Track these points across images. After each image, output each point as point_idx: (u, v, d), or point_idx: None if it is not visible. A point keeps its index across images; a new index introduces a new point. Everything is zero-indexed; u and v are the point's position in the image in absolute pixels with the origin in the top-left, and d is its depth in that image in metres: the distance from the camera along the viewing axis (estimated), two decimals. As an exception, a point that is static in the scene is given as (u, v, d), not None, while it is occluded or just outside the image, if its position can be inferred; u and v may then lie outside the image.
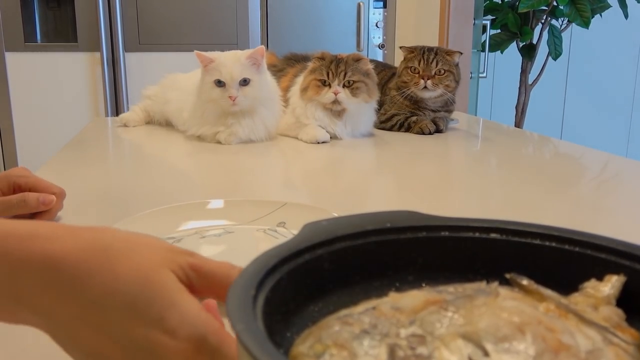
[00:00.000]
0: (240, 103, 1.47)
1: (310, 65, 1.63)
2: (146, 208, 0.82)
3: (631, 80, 4.70)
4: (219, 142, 1.53)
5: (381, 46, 3.53)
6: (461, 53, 1.74)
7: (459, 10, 3.20)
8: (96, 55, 2.88)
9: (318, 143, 1.53)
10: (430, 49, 1.71)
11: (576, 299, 0.41)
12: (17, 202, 0.80)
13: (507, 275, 0.44)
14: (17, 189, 0.82)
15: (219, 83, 1.48)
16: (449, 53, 1.71)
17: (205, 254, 0.74)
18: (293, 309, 0.41)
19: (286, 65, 1.86)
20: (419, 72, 1.69)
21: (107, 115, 2.91)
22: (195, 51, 1.50)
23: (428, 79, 1.66)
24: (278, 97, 1.64)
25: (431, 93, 1.70)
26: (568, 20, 3.88)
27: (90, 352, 0.36)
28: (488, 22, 3.89)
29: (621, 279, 0.42)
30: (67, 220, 0.90)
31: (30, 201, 0.80)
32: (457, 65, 1.73)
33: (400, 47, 1.77)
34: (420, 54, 1.70)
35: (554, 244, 0.46)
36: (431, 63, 1.68)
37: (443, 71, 1.68)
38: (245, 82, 1.48)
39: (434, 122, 1.74)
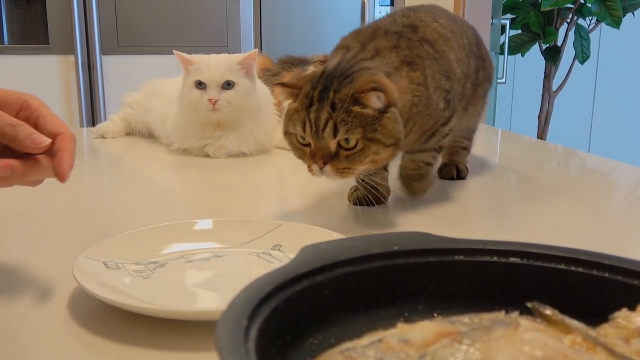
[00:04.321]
0: (222, 108, 1.47)
1: (312, 70, 1.63)
2: (126, 229, 0.82)
3: (667, 87, 4.72)
4: (208, 156, 1.53)
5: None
6: (381, 91, 0.88)
7: (475, 9, 3.22)
8: (70, 59, 2.89)
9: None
10: (325, 90, 0.89)
11: (606, 331, 0.41)
12: (4, 122, 0.68)
13: (529, 304, 0.44)
14: (25, 108, 0.73)
15: (200, 85, 1.49)
16: (360, 96, 0.88)
17: (192, 281, 0.74)
18: (290, 342, 0.41)
19: (282, 69, 1.86)
20: (310, 146, 0.91)
21: (82, 126, 2.91)
22: (175, 51, 1.51)
23: (325, 164, 0.89)
24: (271, 108, 1.64)
25: (340, 180, 0.93)
26: (597, 20, 3.91)
27: None
28: (508, 22, 3.92)
29: (656, 309, 0.42)
30: (38, 241, 0.90)
31: (20, 132, 0.68)
32: (383, 112, 0.89)
33: (275, 85, 1.07)
34: (305, 104, 0.91)
35: (581, 270, 0.46)
36: (324, 129, 0.88)
37: (354, 143, 0.88)
38: (229, 86, 1.48)
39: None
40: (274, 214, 1.03)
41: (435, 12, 1.17)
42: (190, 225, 0.86)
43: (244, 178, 1.39)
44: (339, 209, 1.07)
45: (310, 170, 0.91)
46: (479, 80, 1.21)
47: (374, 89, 0.87)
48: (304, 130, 0.90)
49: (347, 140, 0.88)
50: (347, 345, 0.42)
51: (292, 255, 0.46)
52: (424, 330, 0.40)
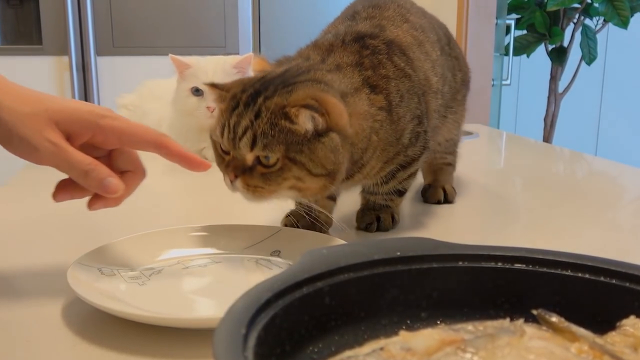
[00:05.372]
0: None
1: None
2: (121, 235, 0.82)
3: (676, 88, 4.72)
4: (206, 159, 1.53)
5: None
6: (317, 111, 0.76)
7: (480, 8, 3.23)
8: (64, 60, 2.89)
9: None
10: (255, 94, 0.79)
11: (613, 339, 0.41)
12: (76, 170, 0.68)
13: (534, 312, 0.44)
14: (98, 133, 0.71)
15: (197, 92, 1.49)
16: (290, 110, 0.77)
17: (189, 288, 0.74)
18: (289, 350, 0.41)
19: (280, 70, 1.86)
20: (229, 154, 0.82)
21: (75, 128, 2.91)
22: (170, 55, 1.50)
23: (236, 176, 0.80)
24: None
25: (256, 200, 0.83)
26: (604, 20, 3.91)
27: None
28: (512, 22, 3.92)
29: (664, 316, 0.43)
30: (31, 247, 0.90)
31: (93, 178, 0.69)
32: (323, 134, 0.78)
33: (209, 85, 0.89)
34: (230, 106, 0.81)
35: (587, 276, 0.46)
36: (241, 137, 0.78)
37: (274, 161, 0.78)
38: None
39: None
40: (272, 218, 1.03)
41: (403, 4, 1.04)
42: (187, 231, 0.86)
43: (242, 182, 1.38)
44: (340, 214, 1.07)
45: (225, 182, 0.82)
46: (456, 83, 1.11)
47: (307, 106, 0.76)
48: (222, 135, 0.80)
49: (266, 157, 0.77)
50: (348, 353, 0.42)
51: (292, 261, 0.46)
52: (426, 338, 0.40)
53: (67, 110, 0.70)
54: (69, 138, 0.69)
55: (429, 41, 1.02)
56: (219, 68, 1.49)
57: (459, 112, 1.14)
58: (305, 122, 0.76)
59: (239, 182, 0.80)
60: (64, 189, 0.74)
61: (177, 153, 0.75)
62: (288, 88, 0.79)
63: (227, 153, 0.81)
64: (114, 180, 0.70)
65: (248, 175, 0.79)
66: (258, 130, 0.76)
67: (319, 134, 0.78)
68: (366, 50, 0.90)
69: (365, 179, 0.91)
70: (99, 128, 0.71)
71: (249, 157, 0.78)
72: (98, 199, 0.73)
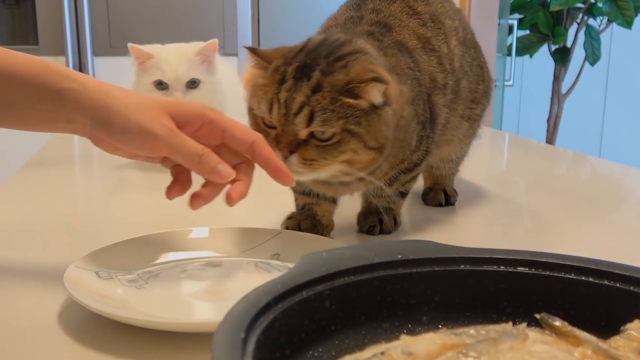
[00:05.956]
0: None
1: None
2: (119, 237, 0.82)
3: (681, 89, 4.72)
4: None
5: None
6: (383, 82, 0.77)
7: (482, 8, 3.23)
8: (60, 60, 2.89)
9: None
10: (304, 67, 0.78)
11: (617, 343, 0.41)
12: (191, 154, 0.71)
13: (537, 315, 0.44)
14: (206, 122, 0.74)
15: (160, 85, 1.38)
16: (358, 86, 0.77)
17: (187, 291, 0.74)
18: (289, 354, 0.41)
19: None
20: (274, 128, 0.80)
21: (72, 130, 2.91)
22: (129, 44, 1.39)
23: (290, 152, 0.78)
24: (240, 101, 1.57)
25: (308, 176, 0.82)
26: (608, 20, 3.91)
27: None
28: (515, 22, 3.92)
29: (669, 320, 0.43)
30: (28, 249, 0.90)
31: (207, 162, 0.72)
32: (380, 107, 0.79)
33: (248, 49, 0.86)
34: (276, 80, 0.79)
35: (591, 279, 0.46)
36: (296, 113, 0.77)
37: (330, 135, 0.77)
38: (193, 85, 1.39)
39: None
40: (272, 221, 1.03)
41: None
42: (185, 233, 0.86)
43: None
44: (340, 216, 1.07)
45: None
46: (477, 93, 1.08)
47: (376, 79, 0.76)
48: (270, 111, 0.78)
49: (322, 131, 0.77)
50: (348, 358, 0.42)
51: (291, 264, 0.46)
52: (428, 342, 0.40)
53: (176, 102, 0.76)
54: (179, 128, 0.73)
55: (439, 34, 0.99)
56: (182, 57, 1.39)
57: (473, 127, 1.11)
58: (376, 95, 0.77)
59: (295, 158, 0.78)
60: (175, 188, 0.78)
61: (267, 158, 0.75)
62: (342, 62, 0.79)
63: (272, 127, 0.80)
64: (225, 167, 0.73)
65: (304, 149, 0.78)
66: (317, 106, 0.76)
67: (376, 107, 0.78)
68: (382, 43, 0.89)
69: (369, 183, 0.91)
70: (207, 119, 0.74)
71: (303, 133, 0.77)
72: (212, 189, 0.76)
